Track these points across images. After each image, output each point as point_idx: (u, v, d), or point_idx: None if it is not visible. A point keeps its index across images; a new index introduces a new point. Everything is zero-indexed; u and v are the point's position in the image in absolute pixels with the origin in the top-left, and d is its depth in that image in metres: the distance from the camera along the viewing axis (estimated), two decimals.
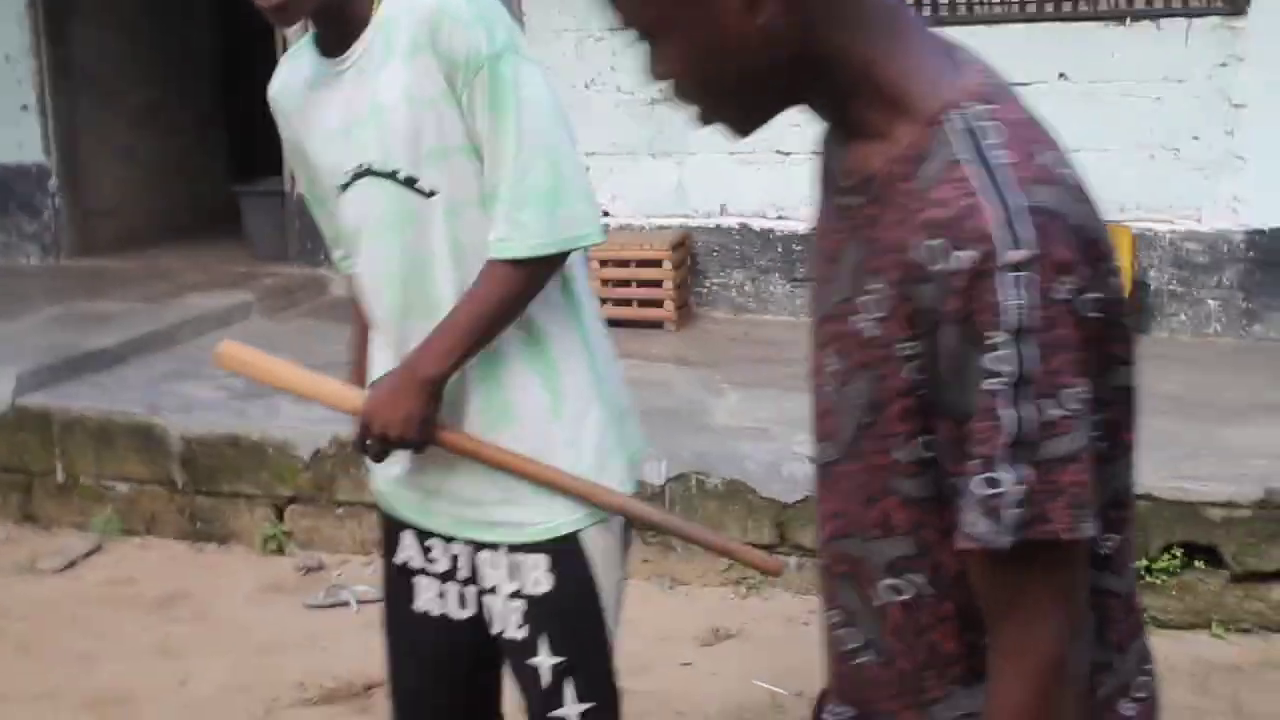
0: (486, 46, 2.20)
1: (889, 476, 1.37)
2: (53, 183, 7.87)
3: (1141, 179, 6.00)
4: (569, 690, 2.38)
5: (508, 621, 2.40)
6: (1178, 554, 4.25)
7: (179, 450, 5.28)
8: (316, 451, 5.09)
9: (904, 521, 1.38)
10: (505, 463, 2.34)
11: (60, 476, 5.44)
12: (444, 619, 2.48)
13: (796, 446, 4.72)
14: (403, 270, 2.34)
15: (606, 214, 6.45)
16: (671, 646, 4.25)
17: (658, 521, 2.52)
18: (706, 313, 6.65)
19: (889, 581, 1.41)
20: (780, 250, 6.53)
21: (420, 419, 2.32)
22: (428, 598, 2.49)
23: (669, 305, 6.42)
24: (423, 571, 2.49)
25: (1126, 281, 4.26)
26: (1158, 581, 4.24)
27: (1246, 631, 4.24)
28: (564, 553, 2.36)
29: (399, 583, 2.52)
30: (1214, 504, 4.24)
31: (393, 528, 2.52)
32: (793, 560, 4.57)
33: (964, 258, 1.24)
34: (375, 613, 4.57)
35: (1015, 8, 6.18)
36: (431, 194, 2.28)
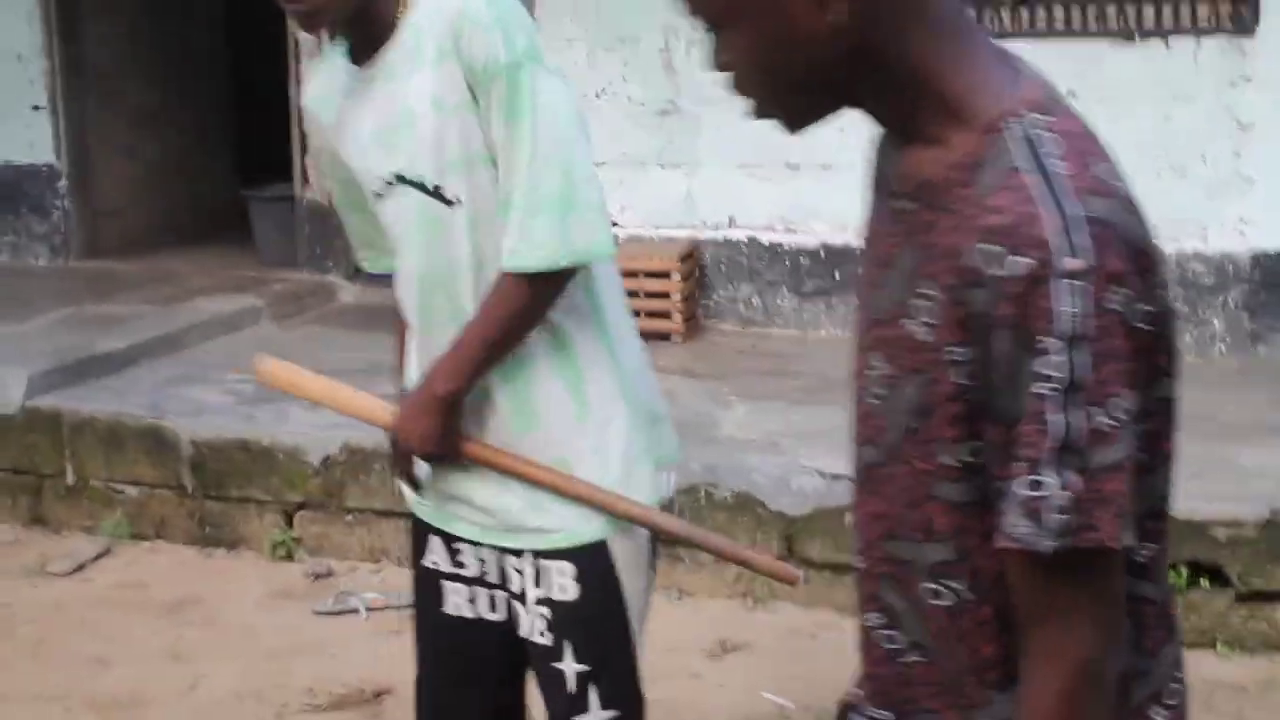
0: (505, 54, 2.22)
1: (933, 481, 1.39)
2: (62, 184, 7.88)
3: (1148, 198, 5.84)
4: (593, 696, 2.40)
5: (533, 627, 2.42)
6: (1183, 572, 4.27)
7: (189, 454, 5.30)
8: (327, 457, 5.11)
9: (946, 526, 1.40)
10: (529, 473, 2.37)
11: (70, 479, 5.46)
12: (477, 621, 2.50)
13: (806, 460, 4.75)
14: (429, 277, 2.37)
15: (615, 224, 6.48)
16: (679, 658, 4.27)
17: (678, 533, 2.53)
18: (714, 325, 6.67)
19: (930, 585, 1.43)
20: (788, 264, 6.56)
21: (439, 435, 2.36)
22: (457, 601, 2.51)
23: (676, 317, 6.44)
24: (452, 576, 2.51)
25: None
26: None
27: (1251, 651, 4.26)
28: (590, 560, 2.38)
29: (427, 586, 2.55)
30: (1220, 523, 4.27)
31: (421, 531, 2.55)
32: (800, 574, 4.59)
33: (1020, 264, 1.26)
34: (385, 620, 4.65)
35: (1024, 24, 6.21)
36: (456, 202, 2.30)
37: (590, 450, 2.38)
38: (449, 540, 2.51)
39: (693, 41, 6.46)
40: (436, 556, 2.52)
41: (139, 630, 4.63)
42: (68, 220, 7.91)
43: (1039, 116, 1.34)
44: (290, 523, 5.20)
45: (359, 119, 2.38)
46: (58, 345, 6.09)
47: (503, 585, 2.47)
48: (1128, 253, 1.29)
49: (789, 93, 1.42)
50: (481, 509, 2.44)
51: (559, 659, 2.40)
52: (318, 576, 4.98)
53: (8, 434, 5.54)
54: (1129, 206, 1.33)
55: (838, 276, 6.48)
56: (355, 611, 4.70)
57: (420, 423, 2.36)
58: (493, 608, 2.49)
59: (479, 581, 2.49)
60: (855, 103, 1.43)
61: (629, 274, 6.42)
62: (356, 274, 7.40)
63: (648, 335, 6.43)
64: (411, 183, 2.32)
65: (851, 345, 1.51)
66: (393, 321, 2.64)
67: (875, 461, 1.46)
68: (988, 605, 1.40)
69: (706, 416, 5.30)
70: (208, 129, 8.77)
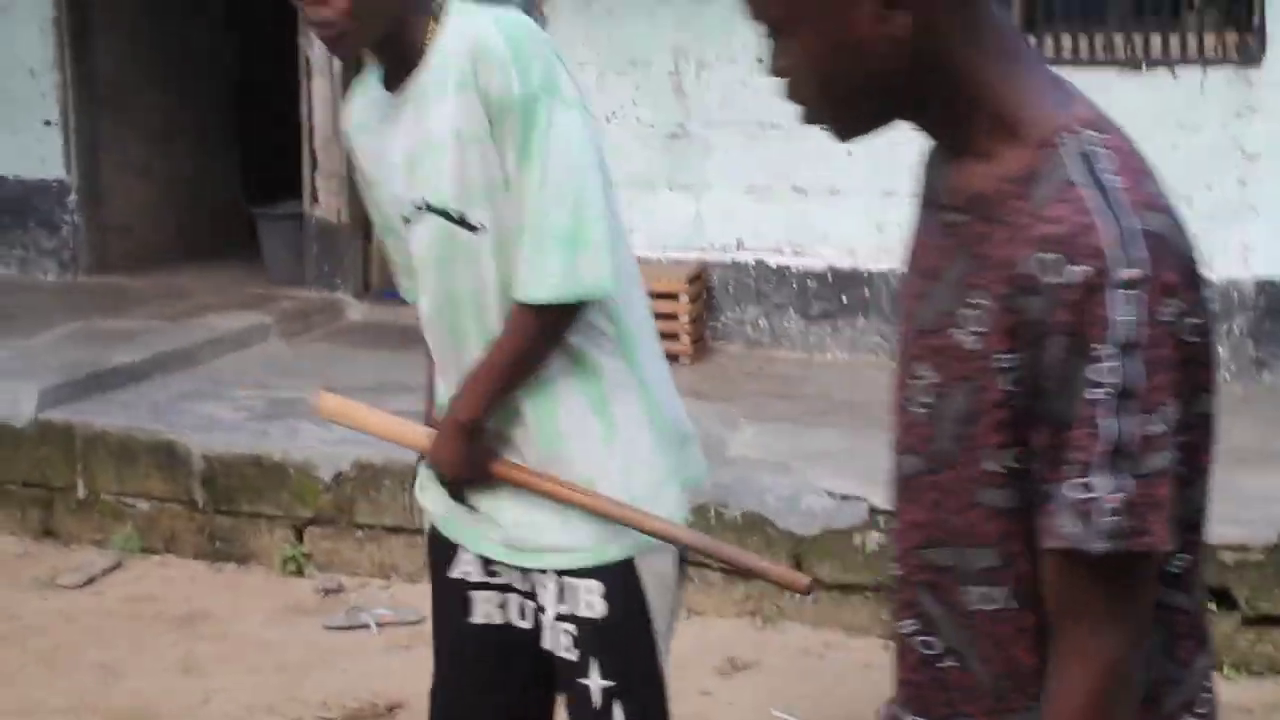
0: (519, 87, 2.25)
1: (978, 487, 1.42)
2: (72, 199, 7.91)
3: None
4: (619, 712, 2.43)
5: (558, 642, 2.45)
6: None
7: (200, 469, 5.32)
8: (338, 473, 5.14)
9: (991, 532, 1.43)
10: (557, 492, 2.41)
11: (81, 492, 5.48)
12: (505, 626, 2.53)
13: (814, 481, 4.78)
14: (458, 300, 2.41)
15: None
16: (689, 675, 4.29)
17: (699, 545, 2.56)
18: (721, 347, 6.71)
19: (975, 589, 1.46)
20: (795, 287, 6.60)
21: (466, 460, 2.42)
22: (487, 609, 2.54)
23: (684, 339, 6.47)
24: (482, 584, 2.54)
25: None
26: None
27: (1258, 674, 4.29)
28: (618, 577, 2.42)
29: (455, 597, 2.57)
30: (1227, 547, 4.30)
31: (448, 544, 2.57)
32: (808, 580, 4.62)
33: (1078, 272, 1.30)
34: (395, 635, 4.67)
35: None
36: (481, 228, 2.34)
37: (617, 470, 2.41)
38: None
39: (702, 65, 6.51)
40: (468, 567, 2.55)
41: (150, 643, 4.65)
42: (76, 235, 7.94)
43: (1093, 133, 1.38)
44: (301, 538, 5.22)
45: (391, 145, 2.41)
46: (68, 360, 6.12)
47: (532, 596, 2.50)
48: (1179, 267, 1.33)
49: (844, 101, 1.44)
50: (510, 528, 2.47)
51: (585, 675, 2.43)
52: (328, 592, 5.01)
53: (19, 447, 5.57)
54: (1178, 223, 1.37)
55: (844, 300, 6.52)
56: (366, 626, 4.72)
57: (448, 449, 2.42)
58: (522, 615, 2.52)
59: (510, 589, 2.52)
60: (908, 115, 1.46)
61: None
62: (365, 292, 7.45)
63: None
64: (436, 210, 2.36)
65: (896, 355, 1.55)
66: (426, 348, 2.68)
67: (916, 470, 1.50)
68: (1029, 613, 1.43)
69: (715, 437, 5.32)
70: (218, 146, 8.81)
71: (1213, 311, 1.39)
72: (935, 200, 1.50)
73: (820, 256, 6.53)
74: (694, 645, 4.51)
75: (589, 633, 2.42)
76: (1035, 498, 1.38)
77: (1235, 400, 5.89)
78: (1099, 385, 1.30)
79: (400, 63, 2.38)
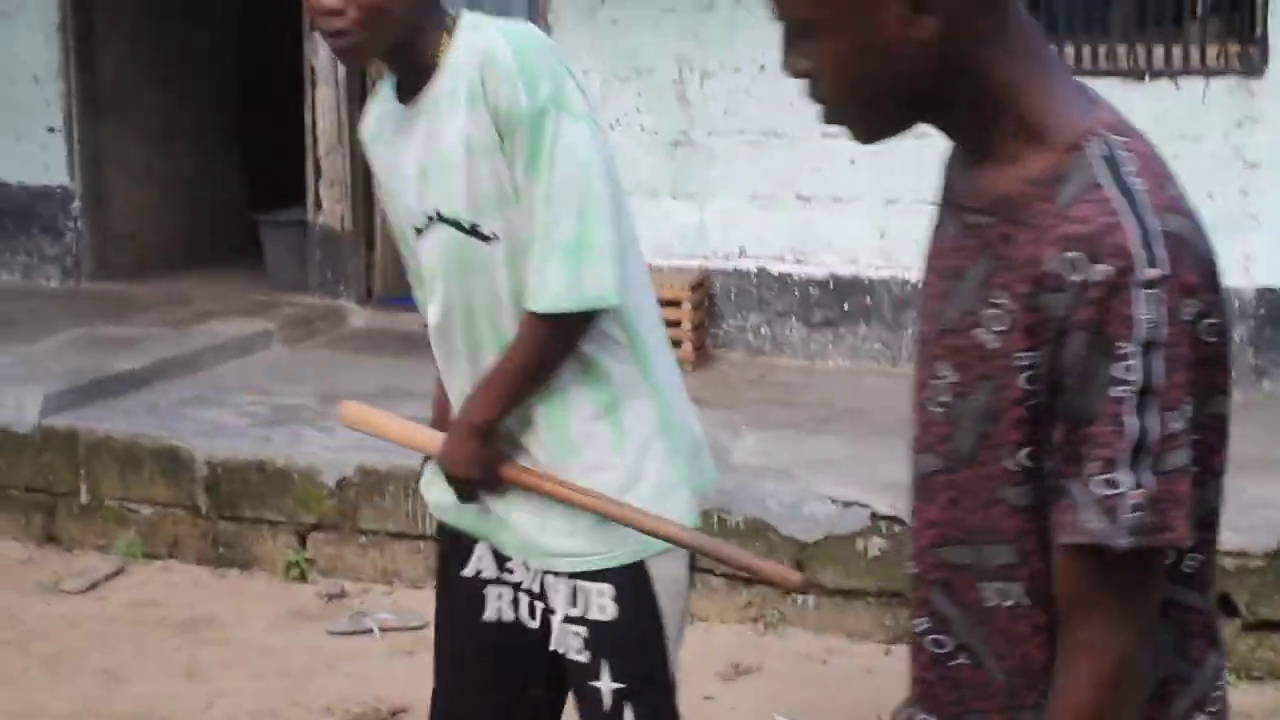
0: (527, 101, 2.27)
1: (997, 484, 1.44)
2: (76, 205, 7.92)
3: None
4: (629, 714, 2.45)
5: (568, 644, 2.47)
6: None
7: (204, 475, 5.33)
8: (341, 479, 5.15)
9: (1009, 529, 1.45)
10: (568, 496, 2.42)
11: (84, 498, 5.49)
12: (514, 624, 2.54)
13: (817, 487, 4.80)
14: (472, 308, 2.44)
15: None
16: (692, 680, 4.28)
17: (698, 545, 2.56)
18: (723, 354, 6.72)
19: (992, 585, 1.48)
20: (797, 295, 6.61)
21: (478, 462, 2.43)
22: (499, 605, 2.56)
23: (687, 346, 6.48)
24: (497, 580, 2.56)
25: None
26: None
27: (1258, 680, 4.31)
28: (629, 580, 2.43)
29: (467, 595, 2.58)
30: (1227, 553, 4.31)
31: (463, 542, 2.59)
32: (811, 600, 4.65)
33: (1101, 270, 1.33)
34: (399, 640, 4.68)
35: None
36: (493, 238, 2.37)
37: (628, 476, 2.43)
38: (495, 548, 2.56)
39: (706, 74, 6.53)
40: (483, 564, 2.57)
41: (153, 649, 4.66)
42: (80, 242, 7.95)
43: (1117, 138, 1.40)
44: (304, 543, 5.23)
45: (404, 156, 2.44)
46: (72, 366, 6.13)
47: (542, 596, 2.51)
48: (1199, 268, 1.36)
49: (868, 104, 1.45)
50: (522, 530, 2.49)
51: (596, 677, 2.45)
52: (331, 597, 5.01)
53: (23, 453, 5.58)
54: (1198, 226, 1.40)
55: (846, 307, 6.53)
56: (369, 632, 4.73)
57: (460, 451, 2.45)
58: (531, 615, 2.53)
59: (522, 588, 2.54)
60: (932, 118, 1.47)
61: None
62: (368, 298, 7.46)
63: None
64: (449, 221, 2.39)
65: (915, 356, 1.56)
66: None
67: (933, 469, 1.51)
68: (1042, 610, 1.45)
69: (718, 444, 5.32)
70: (221, 153, 8.83)
71: (1230, 314, 1.41)
72: (956, 202, 1.51)
73: (822, 264, 6.54)
74: (697, 650, 4.51)
75: (600, 635, 2.44)
76: (1049, 494, 1.40)
77: (1235, 408, 5.82)
78: (1122, 383, 1.32)
79: (413, 74, 2.40)
